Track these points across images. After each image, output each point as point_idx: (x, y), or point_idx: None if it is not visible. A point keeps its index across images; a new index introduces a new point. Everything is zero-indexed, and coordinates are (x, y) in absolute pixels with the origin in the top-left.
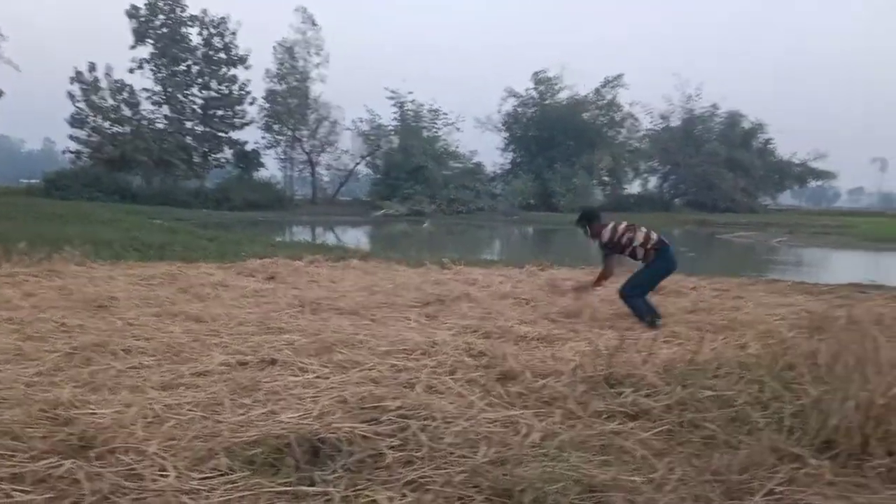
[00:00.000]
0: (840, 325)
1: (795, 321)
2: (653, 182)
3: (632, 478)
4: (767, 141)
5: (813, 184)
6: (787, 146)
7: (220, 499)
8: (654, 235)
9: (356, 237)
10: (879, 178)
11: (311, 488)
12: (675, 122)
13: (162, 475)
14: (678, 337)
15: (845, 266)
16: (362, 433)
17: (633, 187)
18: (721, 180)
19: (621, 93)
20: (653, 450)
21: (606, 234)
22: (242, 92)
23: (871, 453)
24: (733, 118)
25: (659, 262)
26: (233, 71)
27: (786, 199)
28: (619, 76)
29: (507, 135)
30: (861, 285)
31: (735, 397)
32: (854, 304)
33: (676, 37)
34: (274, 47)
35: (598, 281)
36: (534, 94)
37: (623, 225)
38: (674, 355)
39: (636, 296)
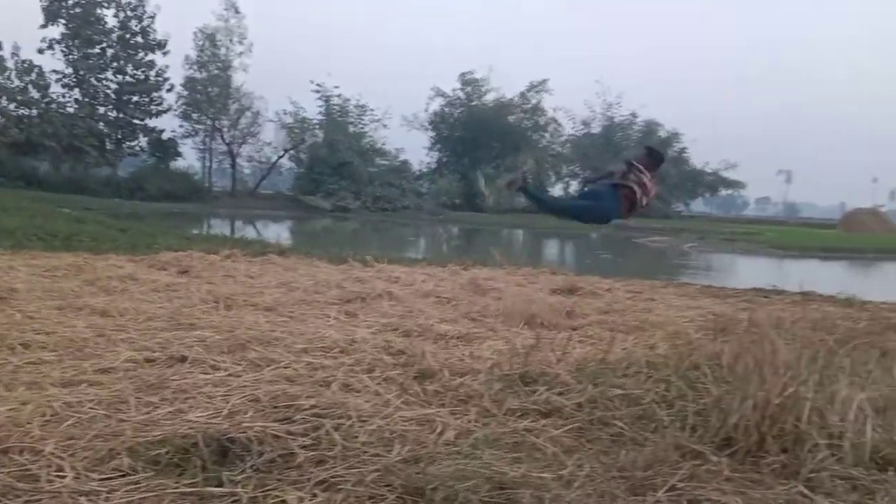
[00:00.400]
0: (742, 327)
1: (702, 323)
2: (574, 186)
3: (541, 474)
4: (682, 150)
5: (723, 192)
6: (701, 156)
7: (121, 500)
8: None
9: (277, 232)
10: (785, 189)
11: (217, 489)
12: (595, 128)
13: (59, 476)
14: (592, 337)
15: (750, 271)
16: (274, 432)
17: (556, 190)
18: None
19: (545, 98)
20: (563, 447)
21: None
22: (160, 78)
23: (767, 450)
24: (650, 127)
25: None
26: (150, 56)
27: (698, 206)
28: (544, 81)
29: (433, 134)
30: (764, 290)
31: (643, 396)
32: (756, 308)
33: (599, 46)
34: (194, 33)
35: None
36: (461, 94)
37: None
38: (587, 354)
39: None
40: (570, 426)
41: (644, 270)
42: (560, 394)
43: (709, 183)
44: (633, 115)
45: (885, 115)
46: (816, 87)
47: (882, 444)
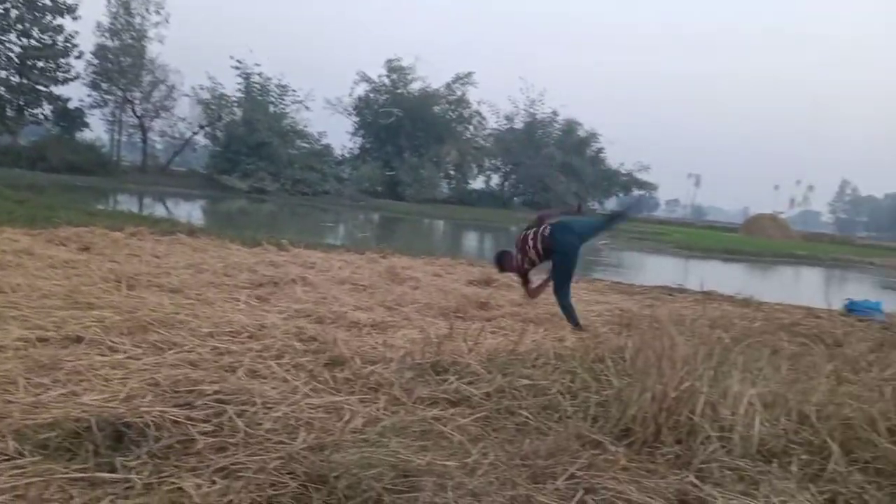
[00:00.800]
0: (645, 323)
1: (609, 318)
2: (495, 180)
3: (446, 462)
4: (599, 150)
5: (636, 192)
6: (616, 156)
7: (4, 485)
8: (541, 232)
9: (188, 211)
10: (694, 192)
11: (109, 475)
12: (518, 124)
13: None
14: (504, 328)
15: (657, 270)
16: (173, 418)
17: (477, 183)
18: (556, 183)
19: (470, 90)
20: (469, 435)
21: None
22: (68, 44)
23: (663, 441)
24: (570, 125)
25: (555, 257)
26: (59, 20)
27: (612, 204)
28: (470, 74)
29: (357, 119)
30: (669, 288)
31: (549, 386)
32: (660, 305)
33: (525, 44)
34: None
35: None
36: (386, 81)
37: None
38: (498, 345)
39: (563, 296)
40: (478, 415)
41: None
42: (470, 383)
43: (623, 183)
44: (555, 113)
45: (787, 126)
46: (727, 94)
47: (768, 438)
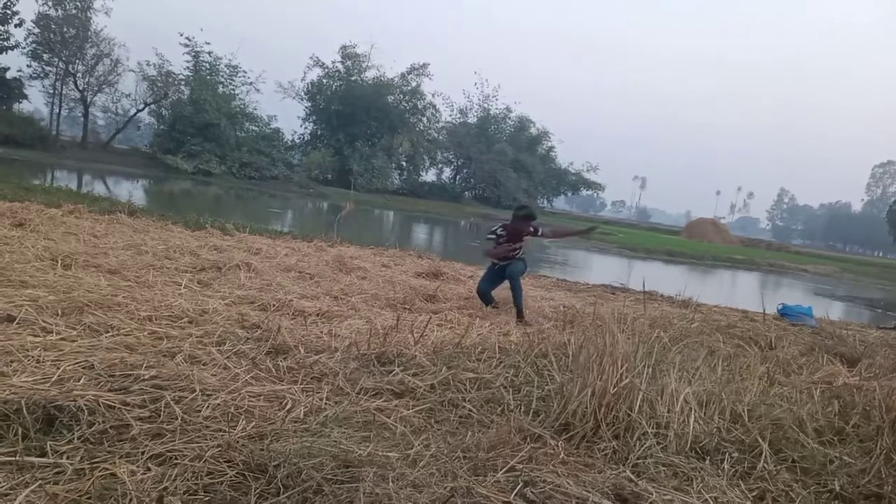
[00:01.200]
0: (588, 320)
1: (553, 314)
2: (447, 173)
3: (388, 453)
4: (550, 148)
5: (584, 192)
6: (566, 155)
7: None
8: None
9: (129, 190)
10: (639, 194)
11: (39, 459)
12: (471, 118)
13: None
14: (451, 321)
15: (602, 268)
16: (108, 402)
17: (429, 175)
18: (507, 179)
19: (425, 82)
20: (412, 427)
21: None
22: (7, 11)
23: (601, 436)
24: (523, 123)
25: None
26: None
27: (560, 203)
28: (425, 65)
29: (309, 104)
30: (612, 286)
31: (493, 380)
32: (602, 303)
33: (481, 42)
34: None
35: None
36: (340, 67)
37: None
38: (444, 338)
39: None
40: (421, 407)
41: None
42: (414, 375)
43: (571, 182)
44: (508, 109)
45: (731, 134)
46: (676, 104)
47: (702, 435)
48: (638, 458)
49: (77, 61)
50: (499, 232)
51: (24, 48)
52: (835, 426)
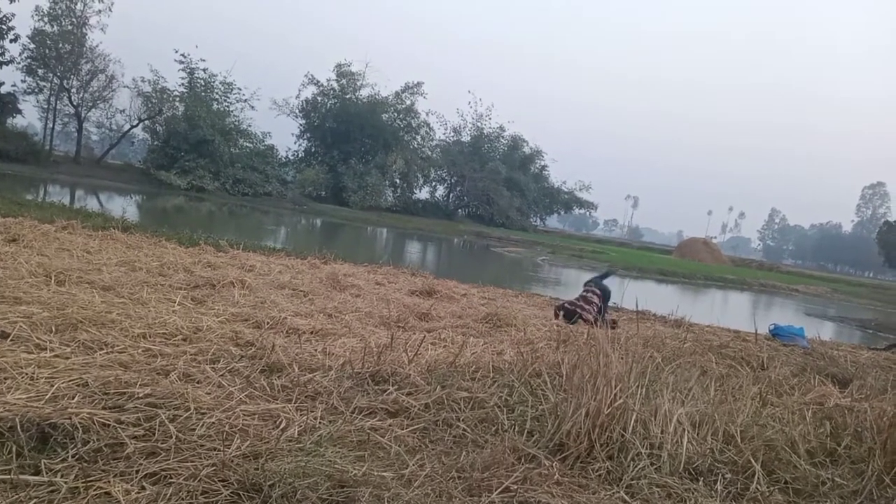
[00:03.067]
0: (582, 339)
1: (547, 332)
2: (440, 191)
3: (383, 473)
4: (543, 167)
5: (577, 211)
6: (559, 174)
7: None
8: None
9: (123, 206)
10: (631, 213)
11: (33, 477)
12: (465, 136)
13: None
14: (444, 340)
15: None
16: (102, 420)
17: (422, 193)
18: (500, 197)
19: (420, 100)
20: (407, 446)
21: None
22: (3, 26)
23: (595, 457)
24: (516, 142)
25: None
26: None
27: (553, 221)
28: (420, 84)
29: (303, 122)
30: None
31: (487, 399)
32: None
33: (477, 62)
34: None
35: None
36: (335, 85)
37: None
38: (438, 357)
39: None
40: (416, 426)
41: (499, 278)
42: (409, 394)
43: (564, 201)
44: (502, 128)
45: (723, 155)
46: (667, 124)
47: (695, 456)
48: (632, 479)
49: (72, 77)
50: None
51: (19, 63)
52: (827, 447)
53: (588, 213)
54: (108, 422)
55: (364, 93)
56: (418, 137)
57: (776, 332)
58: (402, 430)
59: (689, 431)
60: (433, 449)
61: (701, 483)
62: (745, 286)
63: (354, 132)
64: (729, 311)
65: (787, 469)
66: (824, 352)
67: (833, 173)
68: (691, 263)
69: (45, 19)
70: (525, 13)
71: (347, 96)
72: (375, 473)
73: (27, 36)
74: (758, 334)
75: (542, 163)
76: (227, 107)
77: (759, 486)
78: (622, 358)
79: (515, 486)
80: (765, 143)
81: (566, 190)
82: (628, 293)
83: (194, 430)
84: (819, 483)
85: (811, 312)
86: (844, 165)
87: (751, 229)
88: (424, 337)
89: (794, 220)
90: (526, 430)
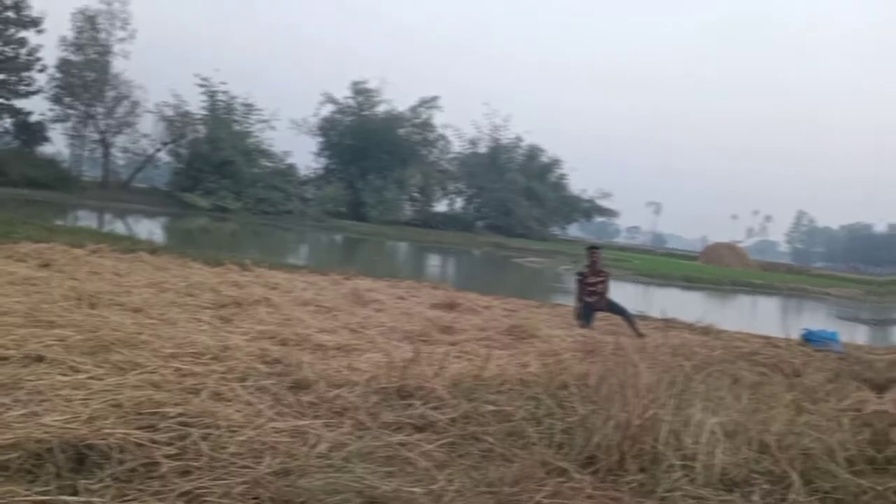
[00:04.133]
0: (609, 350)
1: (572, 343)
2: (458, 203)
3: (413, 489)
4: (562, 176)
5: (597, 219)
6: (579, 183)
7: None
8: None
9: (150, 229)
10: (654, 220)
11: (72, 498)
12: (482, 148)
13: None
14: (469, 353)
15: (618, 297)
16: (136, 440)
17: (441, 206)
18: (519, 208)
19: (436, 114)
20: (435, 461)
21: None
22: (31, 57)
23: (627, 469)
24: (534, 151)
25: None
26: (23, 33)
27: (574, 230)
28: (435, 98)
29: (322, 140)
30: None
31: (514, 413)
32: (622, 332)
33: (491, 73)
34: (73, 14)
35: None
36: (352, 103)
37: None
38: (463, 370)
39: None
40: (443, 441)
41: (521, 290)
42: (435, 408)
43: (584, 209)
44: (518, 138)
45: (747, 156)
46: (687, 126)
47: (730, 467)
48: (666, 492)
49: (97, 104)
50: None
51: (47, 93)
52: (867, 455)
53: (609, 221)
54: (142, 441)
55: (381, 109)
56: (435, 151)
57: (808, 338)
58: (430, 444)
59: (722, 441)
60: (462, 464)
61: (737, 494)
62: (774, 291)
63: (372, 148)
64: (758, 316)
65: (826, 478)
66: (859, 356)
67: (860, 171)
68: (717, 269)
69: (71, 49)
70: (542, 19)
71: (364, 113)
72: (405, 489)
73: (54, 66)
74: (790, 340)
75: (561, 171)
76: (248, 127)
77: (797, 497)
78: (651, 368)
79: (547, 500)
80: (789, 143)
81: (586, 198)
82: (654, 301)
83: (226, 448)
84: (860, 492)
85: (843, 316)
86: (868, 162)
87: (778, 232)
88: (448, 350)
89: (822, 221)
90: (555, 443)
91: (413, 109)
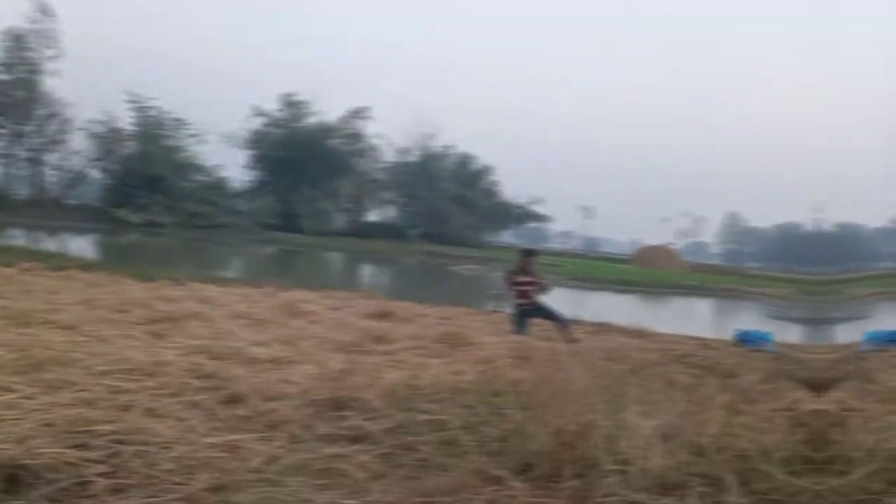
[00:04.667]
0: (543, 356)
1: (507, 350)
2: (391, 212)
3: (346, 501)
4: (494, 182)
5: (530, 225)
6: (513, 189)
7: None
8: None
9: (82, 246)
10: (586, 225)
11: None
12: (413, 157)
13: None
14: (403, 362)
15: (551, 301)
16: (69, 459)
17: (374, 216)
18: (451, 216)
19: (366, 124)
20: (370, 473)
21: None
22: None
23: (563, 475)
24: (464, 159)
25: None
26: None
27: (507, 236)
28: (366, 108)
29: (253, 152)
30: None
31: (449, 421)
32: (556, 337)
33: (419, 79)
34: (0, 34)
35: None
36: (281, 115)
37: None
38: (397, 380)
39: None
40: (378, 452)
41: (455, 297)
42: (369, 419)
43: (517, 216)
44: (448, 146)
45: (678, 159)
46: (615, 131)
47: (665, 470)
48: (601, 497)
49: (27, 122)
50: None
51: None
52: (803, 455)
53: (542, 227)
54: (74, 460)
55: (311, 120)
56: (367, 161)
57: (742, 338)
58: (365, 456)
59: (657, 445)
60: (396, 474)
61: (673, 498)
62: (707, 292)
63: (303, 160)
64: (692, 318)
65: (762, 480)
66: (794, 356)
67: (787, 170)
68: (650, 272)
69: (0, 68)
70: (473, 23)
71: (294, 125)
72: (340, 501)
73: None
74: (723, 341)
75: (493, 178)
76: (179, 142)
77: (733, 499)
78: (585, 373)
79: None
80: (720, 143)
81: (518, 204)
82: (587, 305)
83: (159, 464)
84: (797, 493)
85: (777, 315)
86: (796, 161)
87: (710, 234)
88: (382, 360)
89: (754, 221)
90: (490, 451)
91: (343, 120)
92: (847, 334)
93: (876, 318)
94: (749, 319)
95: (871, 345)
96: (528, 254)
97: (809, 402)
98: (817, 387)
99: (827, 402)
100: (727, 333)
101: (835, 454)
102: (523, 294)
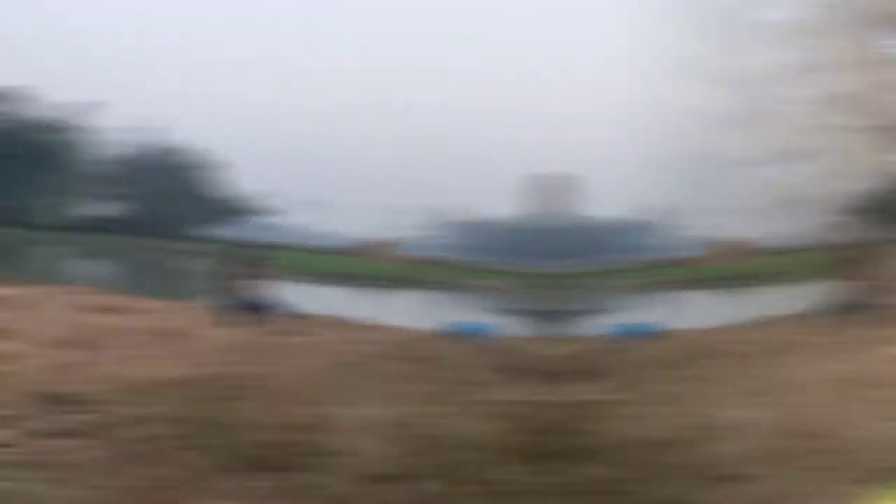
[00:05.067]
0: (266, 350)
1: (230, 344)
2: (112, 207)
3: (76, 493)
4: (217, 175)
5: (259, 218)
6: (245, 182)
7: None
8: None
9: None
10: (312, 217)
11: None
12: (135, 150)
13: None
14: (131, 357)
15: (272, 296)
16: None
17: (95, 210)
18: (173, 209)
19: (88, 117)
20: (86, 467)
21: None
22: None
23: (271, 468)
24: (179, 148)
25: None
26: None
27: (233, 231)
28: (93, 103)
29: None
30: (287, 314)
31: (180, 416)
32: (280, 332)
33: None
34: None
35: None
36: None
37: None
38: (121, 374)
39: None
40: (97, 446)
41: (176, 292)
42: (90, 414)
43: (241, 209)
44: (163, 135)
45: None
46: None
47: (380, 460)
48: (311, 489)
49: None
50: None
51: None
52: (510, 445)
53: (267, 219)
54: None
55: (29, 114)
56: (86, 155)
57: (456, 330)
58: (82, 450)
59: (371, 436)
60: (111, 468)
61: (387, 486)
62: (428, 285)
63: (20, 155)
64: (410, 311)
65: (470, 468)
66: (508, 347)
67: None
68: (372, 265)
69: None
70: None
71: (9, 120)
72: (52, 494)
73: None
74: (436, 333)
75: (217, 170)
76: None
77: (439, 488)
78: (308, 366)
79: (208, 502)
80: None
81: (244, 197)
82: (306, 299)
83: None
84: (507, 482)
85: (495, 308)
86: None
87: (432, 227)
88: (104, 354)
89: (477, 213)
90: (198, 445)
91: (65, 114)
92: (589, 327)
93: (620, 312)
94: (468, 312)
95: (618, 337)
96: (246, 248)
97: (541, 394)
98: (551, 378)
99: (561, 394)
100: (442, 325)
101: (579, 445)
102: (242, 287)
